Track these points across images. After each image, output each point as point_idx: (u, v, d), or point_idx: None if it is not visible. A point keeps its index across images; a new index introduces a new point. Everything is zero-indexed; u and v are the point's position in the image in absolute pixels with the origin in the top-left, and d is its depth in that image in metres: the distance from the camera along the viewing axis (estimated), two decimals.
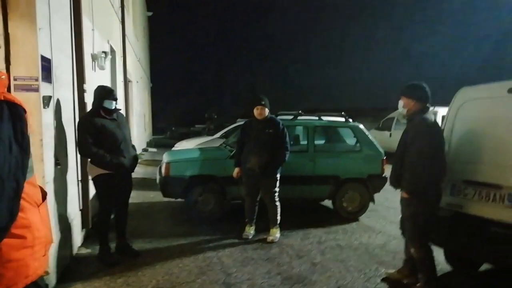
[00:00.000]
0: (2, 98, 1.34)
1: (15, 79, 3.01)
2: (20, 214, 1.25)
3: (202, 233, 5.03)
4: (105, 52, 5.67)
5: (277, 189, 4.85)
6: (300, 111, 6.22)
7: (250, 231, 4.94)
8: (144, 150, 16.03)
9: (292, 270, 3.94)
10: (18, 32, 3.05)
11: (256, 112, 4.72)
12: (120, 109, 4.17)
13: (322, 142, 6.65)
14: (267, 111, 4.75)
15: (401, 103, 3.41)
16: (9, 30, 3.02)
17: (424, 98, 3.34)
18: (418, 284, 3.37)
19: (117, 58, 8.51)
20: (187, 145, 9.81)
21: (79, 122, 3.93)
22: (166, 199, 6.06)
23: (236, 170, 4.95)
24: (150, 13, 21.63)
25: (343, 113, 6.23)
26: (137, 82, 14.17)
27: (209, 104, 37.74)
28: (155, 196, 6.79)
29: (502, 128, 3.09)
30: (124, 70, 9.07)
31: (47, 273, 1.39)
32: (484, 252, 3.20)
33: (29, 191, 1.35)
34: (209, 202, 5.53)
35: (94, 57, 5.40)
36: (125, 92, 9.42)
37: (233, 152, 5.63)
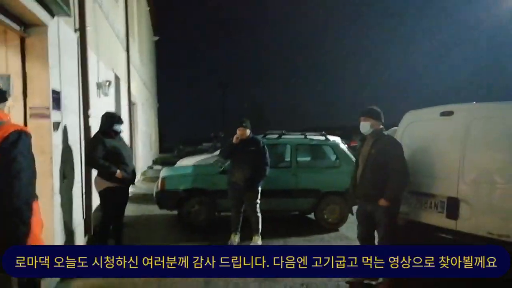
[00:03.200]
0: (19, 129, 1.96)
1: (30, 108, 3.69)
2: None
3: (193, 240, 5.59)
4: (108, 81, 6.38)
5: (258, 201, 5.42)
6: (283, 131, 6.82)
7: (235, 238, 5.49)
8: (149, 167, 16.69)
9: None
10: (33, 71, 3.74)
11: (238, 132, 5.35)
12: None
13: (307, 158, 7.21)
14: (248, 131, 5.38)
15: (364, 124, 3.86)
16: (26, 70, 3.72)
17: (382, 118, 3.90)
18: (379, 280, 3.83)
19: (122, 83, 9.25)
20: (188, 162, 10.44)
21: (91, 140, 4.60)
22: (163, 212, 6.66)
23: None
24: (156, 38, 22.66)
25: (323, 132, 6.84)
26: (142, 104, 14.94)
27: (216, 123, 38.75)
28: (154, 209, 7.38)
29: (434, 145, 3.68)
30: (128, 94, 9.83)
31: None
32: None
33: None
34: (201, 214, 6.12)
35: (98, 86, 6.10)
36: (130, 114, 10.15)
37: (222, 168, 6.24)
